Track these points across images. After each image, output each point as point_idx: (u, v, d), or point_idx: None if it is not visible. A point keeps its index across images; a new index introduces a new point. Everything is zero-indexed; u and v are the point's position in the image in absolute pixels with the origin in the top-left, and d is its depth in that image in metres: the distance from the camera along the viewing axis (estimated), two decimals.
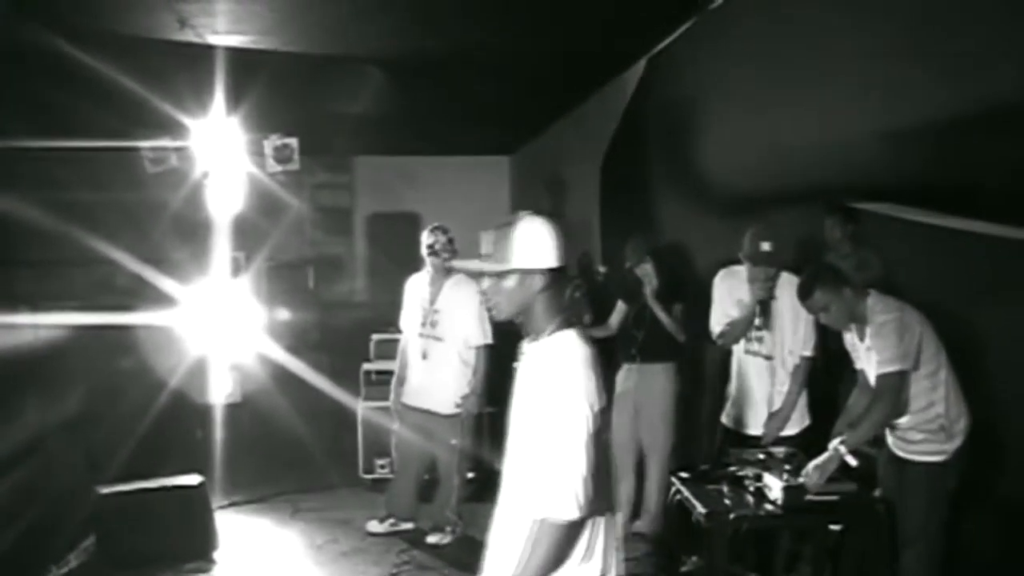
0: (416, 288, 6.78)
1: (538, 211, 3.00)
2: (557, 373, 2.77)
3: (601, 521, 2.87)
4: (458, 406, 6.53)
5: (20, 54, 6.63)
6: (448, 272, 6.61)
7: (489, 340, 6.51)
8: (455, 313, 6.56)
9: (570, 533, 2.74)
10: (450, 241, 6.60)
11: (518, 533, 2.81)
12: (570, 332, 2.87)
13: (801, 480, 4.41)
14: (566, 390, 2.73)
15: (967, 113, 4.07)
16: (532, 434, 2.78)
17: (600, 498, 2.79)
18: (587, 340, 2.87)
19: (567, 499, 2.68)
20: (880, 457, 4.68)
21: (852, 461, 4.39)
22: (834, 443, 4.42)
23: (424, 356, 6.65)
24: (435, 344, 6.62)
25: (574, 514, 2.69)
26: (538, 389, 2.79)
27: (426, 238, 6.66)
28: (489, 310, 3.00)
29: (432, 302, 6.63)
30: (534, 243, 2.87)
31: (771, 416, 5.38)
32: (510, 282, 2.88)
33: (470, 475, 6.88)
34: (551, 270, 2.88)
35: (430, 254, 6.62)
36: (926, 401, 4.42)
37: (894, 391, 4.39)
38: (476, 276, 3.02)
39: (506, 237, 2.88)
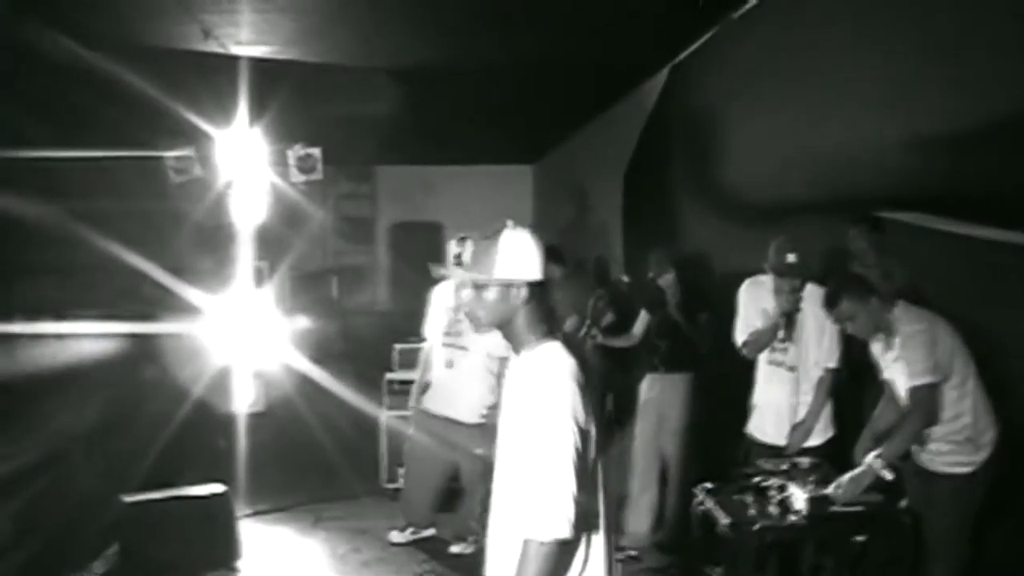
0: (443, 297, 6.76)
1: (520, 223, 2.92)
2: (543, 389, 2.69)
3: (594, 538, 2.80)
4: (484, 416, 6.50)
5: (46, 64, 6.68)
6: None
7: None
8: None
9: (560, 552, 2.66)
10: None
11: (511, 548, 2.74)
12: (554, 344, 2.80)
13: (830, 491, 4.37)
14: (552, 407, 2.66)
15: (993, 122, 4.04)
16: (520, 450, 2.72)
17: (591, 515, 2.74)
18: (571, 351, 2.79)
19: (556, 518, 2.61)
20: (906, 468, 4.64)
21: (888, 476, 4.35)
22: (869, 458, 4.38)
23: (449, 365, 6.64)
24: (460, 353, 6.61)
25: (564, 533, 2.62)
26: (525, 404, 2.72)
27: (453, 248, 6.63)
28: (470, 321, 2.93)
29: (458, 313, 6.62)
30: (518, 255, 2.82)
31: (795, 427, 5.34)
32: (491, 294, 2.83)
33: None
34: (533, 283, 2.81)
35: (456, 264, 6.58)
36: (954, 412, 4.37)
37: (926, 403, 4.35)
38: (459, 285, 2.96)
39: (489, 247, 2.84)
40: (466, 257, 2.90)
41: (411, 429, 6.93)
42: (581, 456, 2.66)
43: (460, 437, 6.56)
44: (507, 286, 2.81)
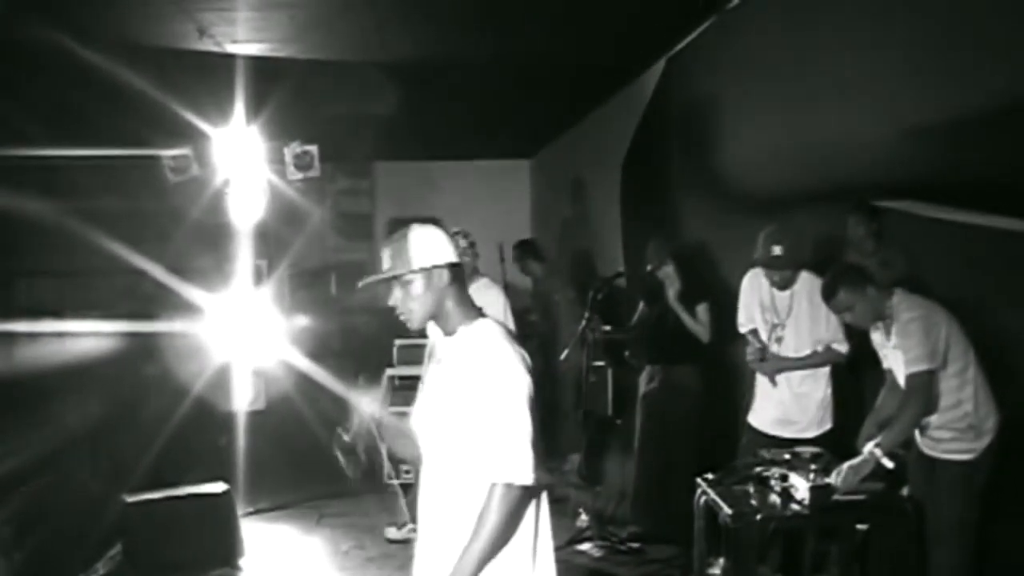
0: None
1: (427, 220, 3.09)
2: (491, 355, 2.84)
3: (543, 494, 2.93)
4: None
5: (43, 64, 6.68)
6: (471, 276, 6.58)
7: None
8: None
9: (522, 499, 2.78)
10: (471, 245, 6.55)
11: (455, 520, 2.84)
12: (487, 320, 2.97)
13: (830, 480, 4.37)
14: (503, 368, 2.81)
15: (989, 110, 4.04)
16: (471, 415, 2.80)
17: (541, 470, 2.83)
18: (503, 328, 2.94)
19: (520, 464, 2.74)
20: (909, 456, 4.64)
21: (888, 464, 4.35)
22: (869, 447, 4.38)
23: None
24: None
25: (526, 479, 2.75)
26: (470, 375, 2.83)
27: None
28: (406, 320, 3.02)
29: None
30: (429, 243, 2.96)
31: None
32: (417, 286, 2.94)
33: None
34: (452, 265, 2.96)
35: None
36: (954, 399, 4.38)
37: (923, 390, 4.36)
38: (378, 290, 3.05)
39: (401, 245, 2.95)
40: (385, 264, 2.98)
41: None
42: (532, 408, 2.80)
43: None
44: (428, 273, 2.93)
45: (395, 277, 2.95)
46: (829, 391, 5.40)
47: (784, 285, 5.34)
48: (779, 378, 5.42)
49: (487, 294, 6.52)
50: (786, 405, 5.43)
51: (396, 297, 2.98)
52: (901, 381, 4.48)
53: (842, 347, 5.27)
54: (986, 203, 4.43)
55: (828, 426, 5.39)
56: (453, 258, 2.97)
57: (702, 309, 6.41)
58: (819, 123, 5.49)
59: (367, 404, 3.34)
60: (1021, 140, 3.90)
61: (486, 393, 2.78)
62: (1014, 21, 3.91)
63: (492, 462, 2.75)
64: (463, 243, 6.52)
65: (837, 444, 4.99)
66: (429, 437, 2.99)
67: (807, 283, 5.24)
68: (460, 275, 2.99)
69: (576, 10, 6.38)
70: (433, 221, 3.07)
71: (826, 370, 5.40)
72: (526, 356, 2.88)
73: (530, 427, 2.77)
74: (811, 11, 5.53)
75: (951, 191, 4.63)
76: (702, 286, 6.52)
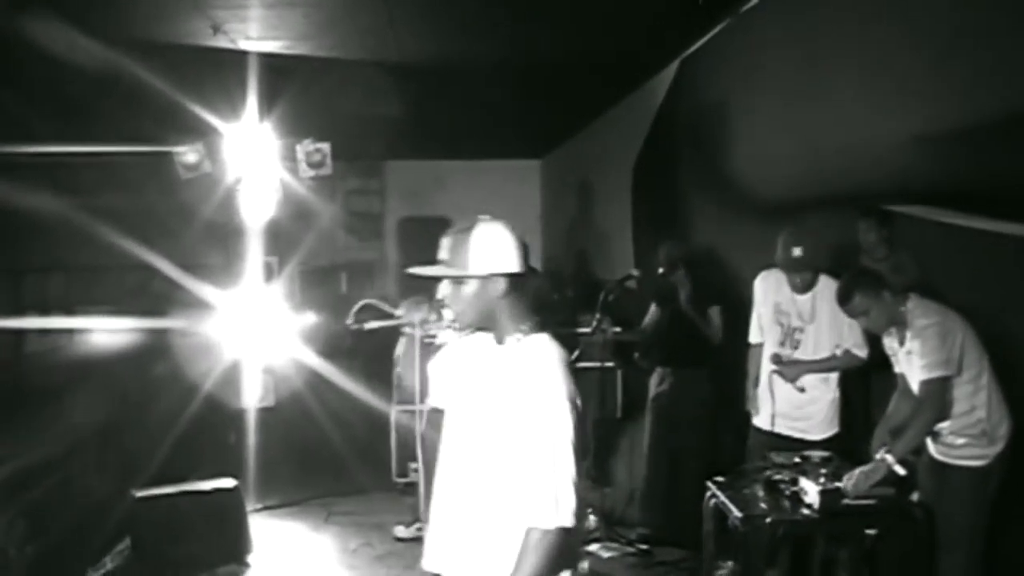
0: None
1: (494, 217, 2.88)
2: (540, 380, 2.70)
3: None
4: None
5: (55, 60, 6.69)
6: None
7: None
8: None
9: (562, 541, 2.66)
10: None
11: (490, 536, 2.74)
12: (543, 336, 2.82)
13: (841, 484, 4.36)
14: (551, 398, 2.68)
15: (1001, 115, 4.04)
16: (510, 439, 2.69)
17: (582, 506, 2.73)
18: (560, 343, 2.81)
19: (559, 507, 2.63)
20: (919, 461, 4.63)
21: (900, 470, 4.34)
22: (881, 452, 4.38)
23: None
24: None
25: (567, 522, 2.65)
26: (515, 394, 2.71)
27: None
28: (452, 322, 2.92)
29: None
30: (492, 248, 2.79)
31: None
32: (470, 288, 2.79)
33: None
34: (512, 275, 2.80)
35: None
36: (968, 405, 4.36)
37: (938, 397, 4.34)
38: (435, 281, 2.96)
39: (464, 242, 2.79)
40: (443, 255, 2.83)
41: (423, 427, 6.90)
42: (577, 446, 2.67)
43: None
44: (484, 280, 2.78)
45: (454, 276, 2.82)
46: (838, 394, 5.40)
47: (804, 288, 5.32)
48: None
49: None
50: (794, 406, 5.43)
51: (447, 292, 2.86)
52: (914, 386, 4.47)
53: (861, 351, 5.24)
54: (997, 208, 4.42)
55: (835, 429, 5.38)
56: (515, 267, 2.80)
57: (714, 312, 6.41)
58: (831, 127, 5.48)
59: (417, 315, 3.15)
60: None
61: (530, 424, 2.66)
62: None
63: (528, 504, 2.65)
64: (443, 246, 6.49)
65: (844, 447, 4.98)
66: (460, 444, 2.87)
67: (827, 287, 5.21)
68: (519, 284, 2.82)
69: (588, 12, 6.38)
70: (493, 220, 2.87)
71: (836, 373, 5.39)
72: (575, 390, 2.72)
73: (573, 464, 2.65)
74: (824, 15, 5.52)
75: (962, 196, 4.63)
76: (713, 289, 6.51)
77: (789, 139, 6.04)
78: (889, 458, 4.32)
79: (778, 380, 5.46)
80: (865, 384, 5.51)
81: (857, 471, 4.37)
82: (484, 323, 2.85)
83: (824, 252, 5.38)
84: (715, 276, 6.72)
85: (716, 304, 6.41)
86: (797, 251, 5.21)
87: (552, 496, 2.63)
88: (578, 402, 2.70)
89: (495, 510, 2.73)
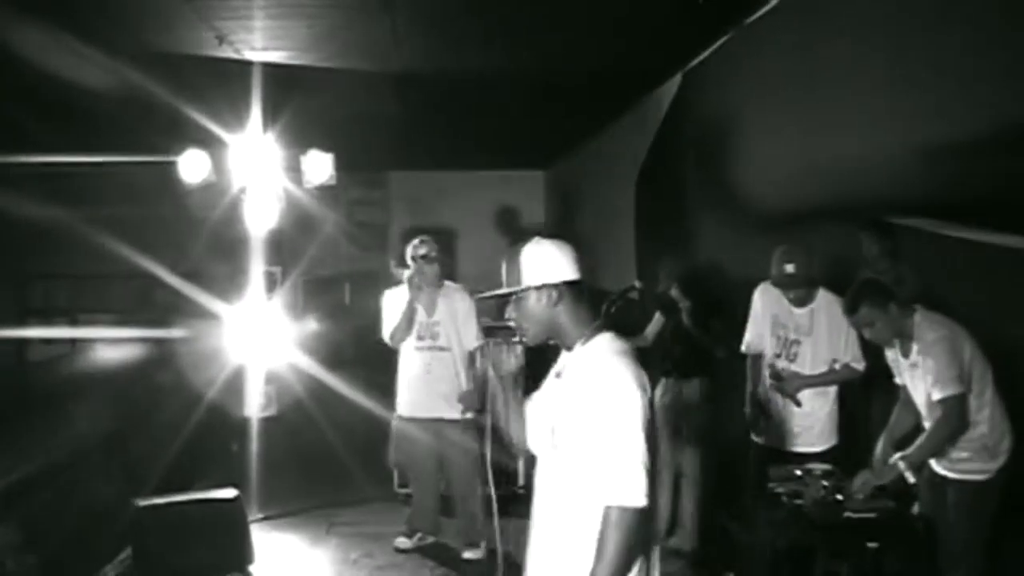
0: (395, 301, 6.66)
1: (552, 234, 3.08)
2: (610, 372, 2.83)
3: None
4: (464, 410, 6.54)
5: (60, 70, 6.72)
6: (438, 283, 6.58)
7: (482, 341, 6.52)
8: (456, 320, 6.57)
9: (638, 521, 2.76)
10: (425, 256, 6.49)
11: (568, 537, 2.86)
12: (607, 334, 2.96)
13: (841, 497, 4.35)
14: (616, 383, 2.80)
15: (1002, 128, 4.05)
16: (586, 433, 2.81)
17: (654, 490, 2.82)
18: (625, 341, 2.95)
19: (634, 486, 2.74)
20: (920, 475, 4.62)
21: (911, 478, 4.35)
22: (894, 458, 4.38)
23: (428, 368, 6.61)
24: (439, 354, 6.60)
25: (641, 501, 2.74)
26: (588, 391, 2.82)
27: (419, 248, 6.51)
28: (521, 339, 3.05)
29: (430, 314, 6.59)
30: (541, 260, 2.97)
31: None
32: (529, 303, 2.97)
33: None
34: (567, 283, 2.96)
35: (428, 262, 6.48)
36: (971, 420, 4.36)
37: (955, 414, 4.31)
38: (498, 304, 3.10)
39: (515, 261, 2.99)
40: (504, 278, 3.02)
41: (400, 439, 6.89)
42: (647, 431, 2.79)
43: (453, 434, 6.57)
44: (539, 291, 2.95)
45: (510, 293, 2.99)
46: (836, 407, 5.41)
47: (801, 302, 5.35)
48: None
49: (457, 298, 6.57)
50: (793, 420, 5.43)
51: (512, 313, 3.04)
52: (918, 399, 4.47)
53: (859, 365, 5.26)
54: (999, 221, 4.43)
55: (834, 441, 5.40)
56: (568, 275, 2.97)
57: (716, 325, 6.40)
58: (834, 140, 5.50)
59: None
60: None
61: (599, 412, 2.78)
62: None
63: (605, 484, 2.76)
64: (422, 250, 6.50)
65: (843, 460, 4.98)
66: (543, 449, 3.01)
67: (826, 301, 5.24)
68: (575, 292, 2.99)
69: (592, 24, 6.39)
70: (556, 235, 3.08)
71: (834, 387, 5.40)
72: (644, 377, 2.87)
73: (644, 449, 2.76)
74: (827, 28, 5.53)
75: (965, 209, 4.64)
76: (715, 302, 6.51)
77: (791, 152, 6.05)
78: (902, 464, 4.33)
79: (776, 394, 5.47)
80: (866, 396, 5.52)
81: (866, 471, 4.39)
82: (549, 334, 3.02)
83: (818, 268, 5.39)
84: (718, 289, 6.72)
85: (719, 316, 6.41)
86: (790, 268, 5.25)
87: (626, 475, 2.74)
88: (648, 388, 2.83)
89: (579, 513, 2.84)
